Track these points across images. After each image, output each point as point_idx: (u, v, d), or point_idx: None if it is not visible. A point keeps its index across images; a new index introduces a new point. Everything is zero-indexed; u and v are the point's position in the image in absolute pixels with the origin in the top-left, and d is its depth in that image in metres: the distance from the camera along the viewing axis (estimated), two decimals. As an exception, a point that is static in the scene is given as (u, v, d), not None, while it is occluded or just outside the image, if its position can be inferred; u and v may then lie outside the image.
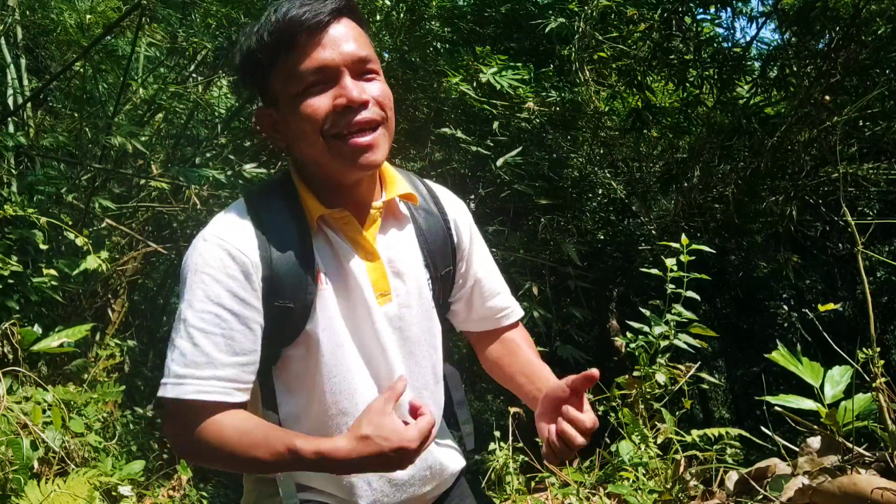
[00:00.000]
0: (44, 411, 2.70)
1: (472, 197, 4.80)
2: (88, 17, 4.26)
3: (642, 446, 2.41)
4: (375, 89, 1.07)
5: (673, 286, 2.56)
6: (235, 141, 4.66)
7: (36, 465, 2.57)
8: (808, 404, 2.00)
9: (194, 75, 4.93)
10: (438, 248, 1.23)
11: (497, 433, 2.75)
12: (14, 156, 4.04)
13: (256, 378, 1.10)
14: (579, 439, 1.05)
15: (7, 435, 2.48)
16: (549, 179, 4.75)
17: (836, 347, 1.96)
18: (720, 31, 4.67)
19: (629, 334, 2.67)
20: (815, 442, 1.94)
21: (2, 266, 3.17)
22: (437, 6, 4.11)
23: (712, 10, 4.41)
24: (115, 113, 4.00)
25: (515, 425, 2.75)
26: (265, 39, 1.04)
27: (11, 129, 4.19)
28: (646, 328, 2.59)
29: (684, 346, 2.55)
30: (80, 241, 3.22)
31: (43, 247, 3.41)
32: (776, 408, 2.01)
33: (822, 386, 2.04)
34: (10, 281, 3.24)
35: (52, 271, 3.39)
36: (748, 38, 10.15)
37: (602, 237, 6.33)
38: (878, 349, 1.83)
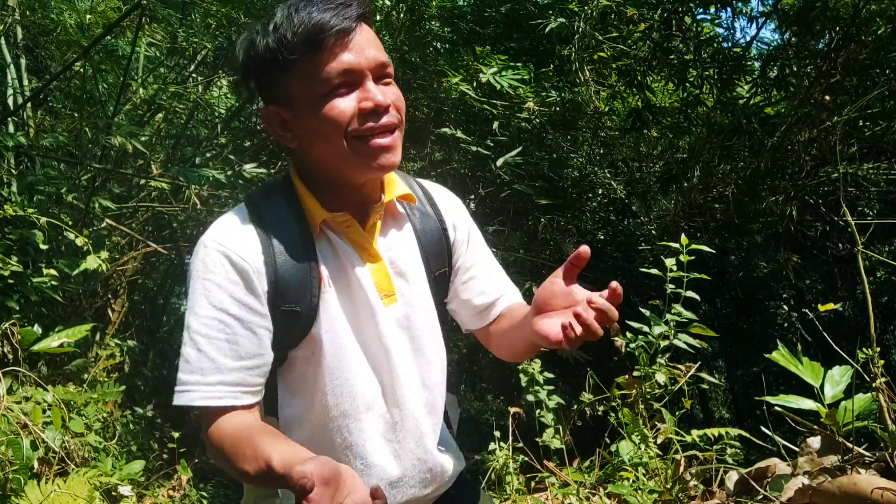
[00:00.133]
0: (44, 411, 2.70)
1: (472, 197, 4.80)
2: (88, 17, 4.26)
3: (642, 446, 2.41)
4: (392, 94, 1.10)
5: (673, 286, 2.56)
6: (235, 141, 4.66)
7: (36, 465, 2.57)
8: (808, 404, 2.00)
9: (194, 75, 4.93)
10: (434, 249, 1.24)
11: (497, 433, 2.75)
12: (14, 156, 4.04)
13: None
14: (613, 312, 1.00)
15: (7, 435, 2.48)
16: (549, 179, 4.75)
17: (836, 347, 1.96)
18: (720, 31, 4.67)
19: (629, 334, 2.67)
20: (815, 442, 1.94)
21: (2, 266, 3.17)
22: (437, 6, 4.11)
23: (712, 10, 4.41)
24: (115, 113, 4.00)
25: (515, 425, 2.74)
26: (288, 38, 1.04)
27: (11, 129, 4.19)
28: (646, 328, 2.59)
29: (684, 346, 2.54)
30: (80, 241, 3.22)
31: (43, 247, 3.40)
32: (776, 408, 2.01)
33: (822, 386, 2.04)
34: (10, 281, 3.24)
35: (52, 271, 3.39)
36: (748, 38, 10.16)
37: (602, 237, 6.33)
38: (878, 349, 1.83)
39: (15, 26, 4.29)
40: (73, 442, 2.82)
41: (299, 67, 1.05)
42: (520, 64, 3.93)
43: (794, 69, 4.56)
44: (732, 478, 2.11)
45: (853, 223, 1.96)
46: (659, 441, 2.44)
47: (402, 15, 4.07)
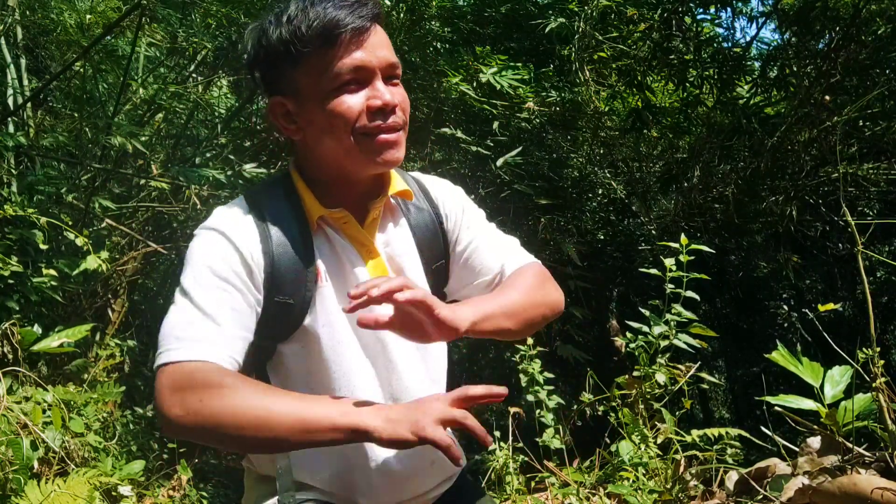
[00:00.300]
0: (44, 411, 2.70)
1: (472, 197, 4.79)
2: (88, 17, 4.26)
3: (642, 446, 2.41)
4: (399, 95, 1.12)
5: (672, 286, 2.56)
6: (235, 141, 4.66)
7: (36, 465, 2.57)
8: (808, 404, 2.00)
9: (194, 75, 4.93)
10: (429, 243, 1.25)
11: (497, 433, 2.75)
12: (14, 156, 4.04)
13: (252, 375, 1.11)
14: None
15: (7, 435, 2.48)
16: (549, 179, 4.75)
17: (836, 347, 1.96)
18: (720, 31, 4.68)
19: (629, 334, 2.67)
20: (815, 442, 1.94)
21: (2, 266, 3.17)
22: (437, 6, 4.11)
23: (712, 10, 4.41)
24: (115, 113, 4.00)
25: (515, 425, 2.74)
26: (302, 31, 1.05)
27: (11, 129, 4.19)
28: (646, 328, 2.59)
29: (684, 346, 2.54)
30: (80, 241, 3.22)
31: (43, 247, 3.40)
32: (776, 408, 2.01)
33: (822, 386, 2.03)
34: (10, 281, 3.24)
35: (52, 271, 3.39)
36: (748, 38, 10.16)
37: (602, 237, 6.33)
38: (878, 349, 1.82)
39: (15, 26, 4.29)
40: (73, 442, 2.82)
41: (311, 61, 1.07)
42: (520, 64, 3.93)
43: (794, 69, 4.56)
44: (732, 478, 2.11)
45: (853, 223, 1.96)
46: (659, 441, 2.44)
47: (402, 15, 4.06)
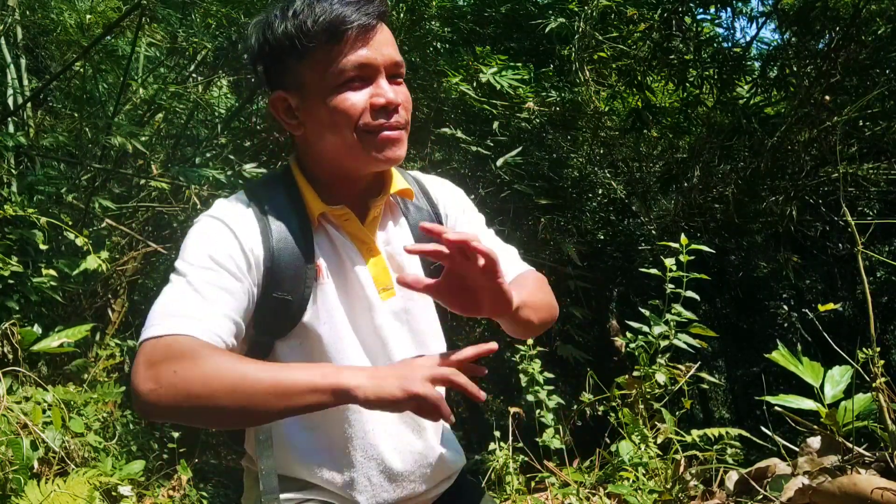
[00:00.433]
0: (44, 411, 2.70)
1: (472, 197, 4.79)
2: (88, 17, 4.26)
3: (642, 446, 2.41)
4: (402, 94, 1.11)
5: (672, 286, 2.56)
6: (235, 141, 4.66)
7: (36, 465, 2.57)
8: (808, 404, 2.00)
9: (194, 75, 4.93)
10: (428, 242, 1.24)
11: (497, 433, 2.75)
12: (14, 156, 4.04)
13: None
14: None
15: (7, 435, 2.48)
16: (549, 179, 4.75)
17: (836, 347, 1.96)
18: (720, 31, 4.68)
19: (629, 334, 2.67)
20: (815, 442, 1.94)
21: (2, 266, 3.17)
22: (437, 6, 4.11)
23: (712, 10, 4.41)
24: (115, 113, 4.00)
25: (515, 425, 2.75)
26: (308, 26, 1.05)
27: (11, 129, 4.19)
28: (646, 328, 2.59)
29: (684, 346, 2.55)
30: (80, 241, 3.22)
31: (43, 247, 3.41)
32: (776, 408, 2.01)
33: (822, 386, 2.04)
34: (10, 281, 3.24)
35: (52, 271, 3.40)
36: (748, 38, 10.15)
37: (602, 237, 6.33)
38: (878, 349, 1.83)
39: (15, 26, 4.29)
40: (73, 442, 2.82)
41: (315, 56, 1.06)
42: (520, 64, 3.94)
43: (794, 69, 4.56)
44: (732, 478, 2.11)
45: (853, 223, 1.96)
46: (659, 441, 2.44)
47: (402, 15, 4.07)
